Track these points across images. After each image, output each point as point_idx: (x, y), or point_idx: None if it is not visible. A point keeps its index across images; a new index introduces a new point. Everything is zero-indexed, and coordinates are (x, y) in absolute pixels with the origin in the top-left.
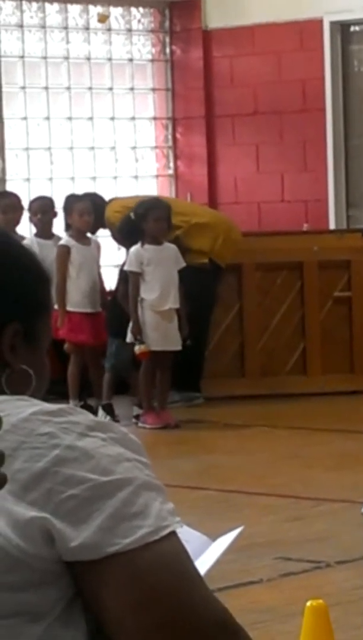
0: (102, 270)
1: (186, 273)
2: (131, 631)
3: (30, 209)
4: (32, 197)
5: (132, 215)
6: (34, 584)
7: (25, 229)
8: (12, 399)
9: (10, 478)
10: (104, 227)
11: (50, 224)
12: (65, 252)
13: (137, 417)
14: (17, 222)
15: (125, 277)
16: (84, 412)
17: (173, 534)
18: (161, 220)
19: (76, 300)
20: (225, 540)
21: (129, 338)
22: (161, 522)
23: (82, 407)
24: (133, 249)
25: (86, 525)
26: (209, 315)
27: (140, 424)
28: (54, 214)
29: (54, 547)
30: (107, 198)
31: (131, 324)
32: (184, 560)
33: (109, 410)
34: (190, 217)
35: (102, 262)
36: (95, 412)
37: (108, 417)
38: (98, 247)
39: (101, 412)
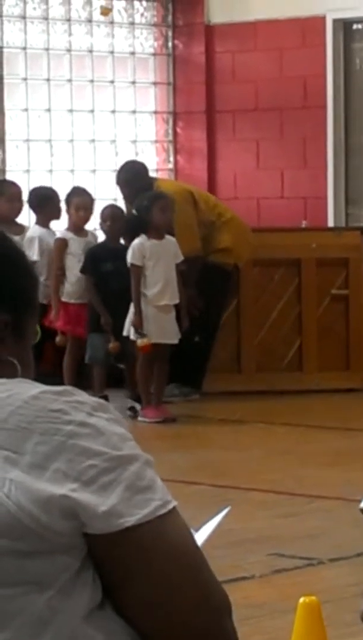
0: None
1: (210, 271)
2: (138, 598)
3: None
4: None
5: (134, 211)
6: (43, 553)
7: (25, 218)
8: (14, 381)
9: (32, 450)
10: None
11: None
12: (62, 245)
13: (131, 408)
14: (19, 211)
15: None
16: (85, 393)
17: (176, 508)
18: (167, 211)
19: (74, 291)
20: (213, 523)
21: (126, 331)
22: (167, 496)
23: None
24: (136, 241)
25: (109, 493)
26: (221, 315)
27: (140, 418)
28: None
29: (77, 519)
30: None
31: (132, 317)
32: (188, 535)
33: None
34: (224, 213)
35: None
36: None
37: None
38: (95, 239)
39: None
